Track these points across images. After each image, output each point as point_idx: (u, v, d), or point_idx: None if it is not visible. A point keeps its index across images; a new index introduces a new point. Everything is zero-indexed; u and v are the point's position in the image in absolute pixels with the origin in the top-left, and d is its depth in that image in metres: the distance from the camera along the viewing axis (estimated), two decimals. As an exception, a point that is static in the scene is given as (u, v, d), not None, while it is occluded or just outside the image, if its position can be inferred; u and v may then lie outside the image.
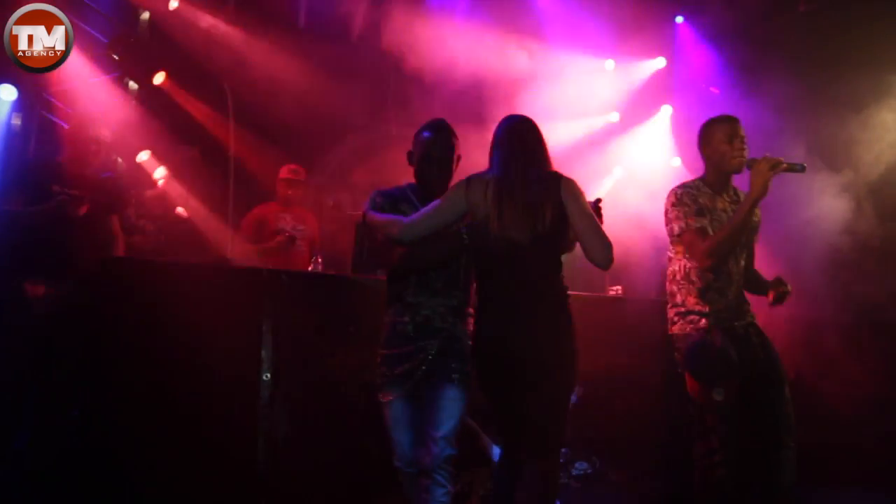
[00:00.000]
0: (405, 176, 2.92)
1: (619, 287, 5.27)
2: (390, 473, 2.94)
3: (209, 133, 5.59)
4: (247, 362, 3.31)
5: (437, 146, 2.78)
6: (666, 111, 6.43)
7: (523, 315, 2.49)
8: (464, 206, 2.58)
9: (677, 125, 6.34)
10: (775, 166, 2.67)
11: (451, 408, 2.60)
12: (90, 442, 3.20)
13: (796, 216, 3.74)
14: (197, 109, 5.47)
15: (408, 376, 2.66)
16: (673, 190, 3.01)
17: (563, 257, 2.64)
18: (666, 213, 3.00)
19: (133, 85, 5.23)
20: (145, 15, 5.22)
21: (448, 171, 2.80)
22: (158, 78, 5.22)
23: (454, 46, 5.60)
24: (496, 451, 2.99)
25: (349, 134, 6.63)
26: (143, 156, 5.02)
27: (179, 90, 5.33)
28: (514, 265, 2.52)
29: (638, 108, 6.45)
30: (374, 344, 2.80)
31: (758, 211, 2.94)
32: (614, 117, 6.58)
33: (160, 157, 5.11)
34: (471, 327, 2.72)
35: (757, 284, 3.10)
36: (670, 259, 3.05)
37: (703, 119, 3.13)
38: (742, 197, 2.95)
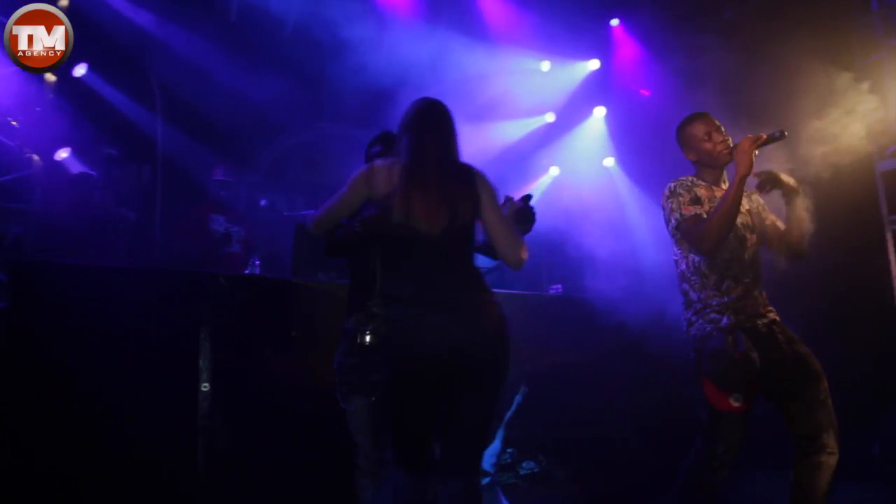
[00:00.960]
0: (340, 175, 2.81)
1: (559, 286, 5.34)
2: (335, 480, 2.84)
3: (135, 129, 5.33)
4: (183, 372, 3.14)
5: None
6: (600, 112, 6.55)
7: (455, 309, 2.31)
8: (366, 192, 2.41)
9: (612, 126, 6.46)
10: (756, 141, 2.75)
11: None
12: (8, 462, 2.97)
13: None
14: (121, 104, 5.19)
15: (378, 384, 2.59)
16: (667, 185, 2.94)
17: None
18: (663, 209, 2.91)
19: (51, 77, 4.91)
20: (64, 1, 4.91)
21: None
22: (79, 70, 4.92)
23: (391, 44, 5.53)
24: None
25: (283, 132, 6.46)
26: (63, 153, 4.73)
27: (103, 83, 5.05)
28: (431, 257, 2.34)
29: (574, 108, 6.54)
30: (318, 348, 2.71)
31: (757, 196, 2.97)
32: (550, 117, 6.66)
33: (81, 154, 4.83)
34: None
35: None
36: (677, 261, 2.94)
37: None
38: None
